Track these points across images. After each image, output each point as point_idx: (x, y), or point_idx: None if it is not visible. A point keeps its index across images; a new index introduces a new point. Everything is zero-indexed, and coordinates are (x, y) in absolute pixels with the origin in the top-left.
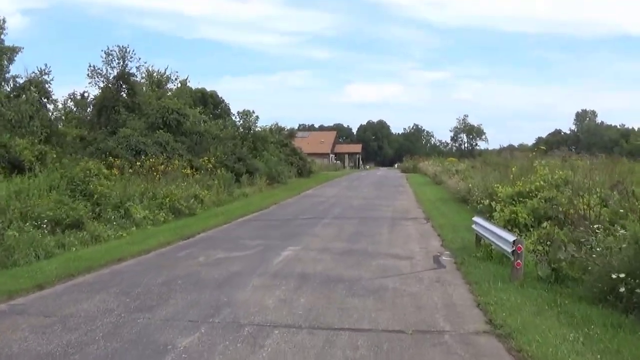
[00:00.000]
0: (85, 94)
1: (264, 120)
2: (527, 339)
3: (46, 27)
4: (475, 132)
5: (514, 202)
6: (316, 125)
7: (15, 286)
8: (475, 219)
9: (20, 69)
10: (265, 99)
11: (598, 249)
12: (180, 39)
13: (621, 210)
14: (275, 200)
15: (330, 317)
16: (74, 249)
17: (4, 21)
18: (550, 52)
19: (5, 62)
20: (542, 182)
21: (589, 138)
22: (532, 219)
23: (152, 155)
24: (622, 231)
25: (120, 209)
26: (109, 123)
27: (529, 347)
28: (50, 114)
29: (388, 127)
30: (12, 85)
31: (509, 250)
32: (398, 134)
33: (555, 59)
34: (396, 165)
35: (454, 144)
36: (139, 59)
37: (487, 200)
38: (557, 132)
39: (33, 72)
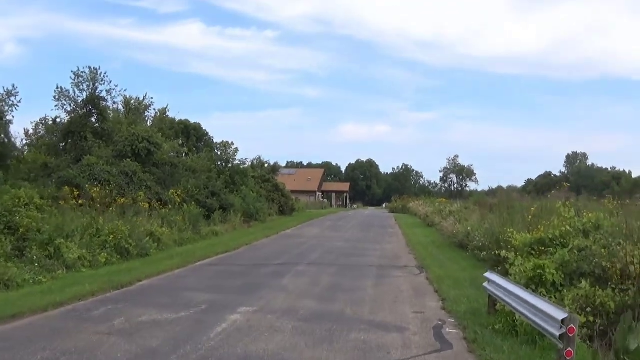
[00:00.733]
0: (58, 119)
1: (251, 156)
2: None
3: (40, 57)
4: (465, 172)
5: (533, 252)
6: (305, 163)
7: None
8: (490, 275)
9: None
10: (254, 135)
11: None
12: (172, 73)
13: None
14: (248, 240)
15: None
16: None
17: None
18: (540, 95)
19: None
20: (568, 227)
21: (580, 180)
22: (562, 276)
23: (115, 185)
24: None
25: (50, 247)
26: (75, 150)
27: None
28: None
29: (377, 166)
30: None
31: (553, 331)
32: (387, 173)
33: (545, 101)
34: (384, 205)
35: (443, 185)
36: (110, 81)
37: (500, 250)
38: (547, 174)
39: None
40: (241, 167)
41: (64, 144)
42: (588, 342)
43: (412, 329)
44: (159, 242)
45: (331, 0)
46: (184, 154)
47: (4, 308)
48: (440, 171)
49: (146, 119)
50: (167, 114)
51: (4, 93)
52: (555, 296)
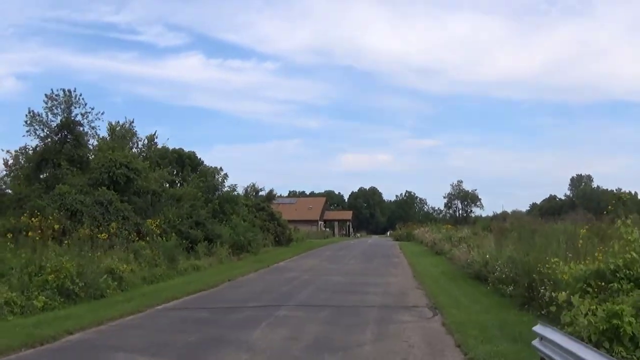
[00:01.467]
0: (32, 147)
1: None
2: None
3: (39, 92)
4: (470, 197)
5: (589, 290)
6: (307, 192)
7: None
8: (543, 330)
9: None
10: (255, 167)
11: None
12: (173, 107)
13: None
14: (232, 275)
15: None
16: None
17: None
18: (542, 118)
19: None
20: (634, 254)
21: (586, 203)
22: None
23: (88, 216)
24: None
25: None
26: (49, 178)
27: None
28: None
29: (380, 194)
30: None
31: None
32: (390, 201)
33: (547, 124)
34: (388, 233)
35: (447, 211)
36: (85, 104)
37: (536, 285)
38: (552, 198)
39: None
40: (231, 194)
41: (36, 172)
42: None
43: None
44: (120, 280)
45: (330, 31)
46: (178, 184)
47: None
48: (444, 197)
49: (133, 146)
50: (156, 140)
51: None
52: (636, 356)
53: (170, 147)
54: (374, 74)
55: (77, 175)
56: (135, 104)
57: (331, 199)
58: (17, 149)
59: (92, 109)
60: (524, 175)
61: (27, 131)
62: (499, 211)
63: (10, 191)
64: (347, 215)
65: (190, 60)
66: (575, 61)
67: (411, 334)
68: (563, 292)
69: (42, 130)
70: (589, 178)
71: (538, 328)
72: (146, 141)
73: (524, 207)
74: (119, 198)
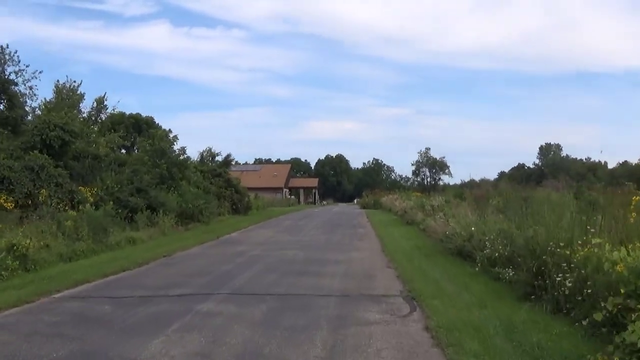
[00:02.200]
0: None
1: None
2: None
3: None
4: (438, 165)
5: None
6: (273, 160)
7: None
8: None
9: None
10: (222, 135)
11: None
12: (139, 76)
13: None
14: (172, 249)
15: None
16: None
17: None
18: (510, 88)
19: None
20: None
21: (555, 172)
22: None
23: (18, 183)
24: None
25: None
26: None
27: None
28: None
29: (347, 161)
30: None
31: None
32: (357, 168)
33: (515, 95)
34: (355, 201)
35: (415, 179)
36: (19, 61)
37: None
38: (521, 167)
39: None
40: (180, 158)
41: None
42: None
43: None
44: (23, 259)
45: None
46: (135, 150)
47: None
48: (412, 164)
49: (82, 110)
50: (105, 103)
51: None
52: None
53: (127, 112)
54: (342, 42)
55: (9, 139)
56: (101, 74)
57: (298, 167)
58: None
59: (27, 66)
60: (492, 145)
61: None
62: (467, 179)
63: None
64: (313, 182)
65: (157, 29)
66: (544, 32)
67: (382, 347)
68: (611, 296)
69: None
70: (558, 147)
71: None
72: (95, 104)
73: (492, 176)
74: (54, 163)
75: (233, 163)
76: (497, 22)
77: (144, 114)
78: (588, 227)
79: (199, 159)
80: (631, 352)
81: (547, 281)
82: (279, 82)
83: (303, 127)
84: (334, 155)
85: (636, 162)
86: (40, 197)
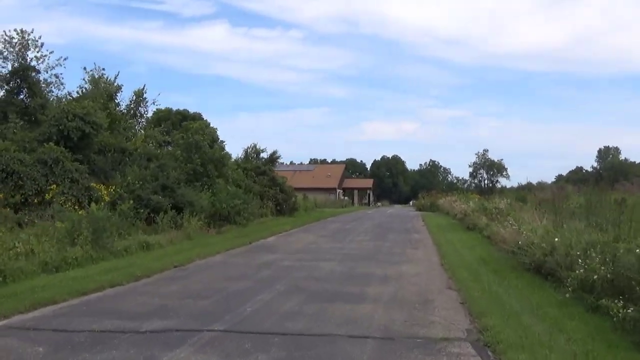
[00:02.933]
0: None
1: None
2: None
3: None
4: (496, 167)
5: None
6: (328, 161)
7: None
8: None
9: None
10: (280, 136)
11: None
12: (197, 76)
13: None
14: (189, 257)
15: None
16: None
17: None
18: (568, 90)
19: None
20: None
21: (613, 175)
22: None
23: (28, 179)
24: None
25: None
26: None
27: None
28: None
29: (403, 162)
30: None
31: None
32: (414, 170)
33: (574, 97)
34: (411, 203)
35: (472, 181)
36: (41, 44)
37: None
38: (579, 170)
39: None
40: (218, 153)
41: None
42: None
43: None
44: None
45: (355, 0)
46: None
47: None
48: (469, 166)
49: (120, 103)
50: (145, 96)
51: None
52: None
53: (174, 109)
54: (400, 43)
55: (24, 130)
56: (159, 73)
57: (353, 168)
58: None
59: (51, 52)
60: (549, 147)
61: None
62: (523, 182)
63: None
64: (368, 183)
65: (215, 30)
66: (601, 33)
67: None
68: None
69: None
70: (617, 150)
71: None
72: (134, 97)
73: (550, 179)
74: (71, 157)
75: (280, 161)
76: (554, 23)
77: (191, 110)
78: None
79: (242, 156)
80: None
81: None
82: (337, 82)
83: (360, 128)
84: (389, 156)
85: None
86: (48, 194)
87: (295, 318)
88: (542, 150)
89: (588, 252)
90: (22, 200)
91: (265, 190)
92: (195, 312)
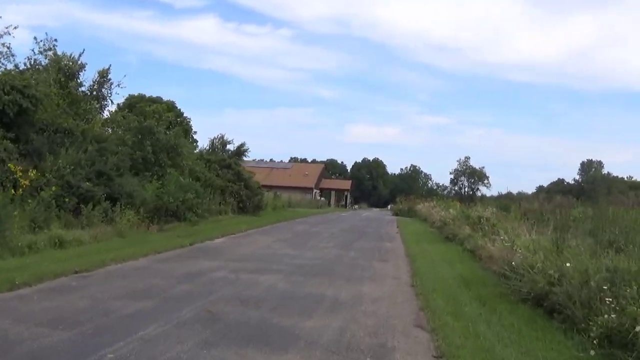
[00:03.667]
0: None
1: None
2: None
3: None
4: (477, 175)
5: None
6: (309, 160)
7: None
8: None
9: None
10: (264, 133)
11: None
12: (185, 69)
13: None
14: (103, 260)
15: None
16: None
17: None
18: (554, 103)
19: None
20: None
21: (594, 188)
22: None
23: None
24: None
25: None
26: None
27: None
28: None
29: (384, 166)
30: None
31: None
32: (394, 174)
33: (559, 110)
34: (389, 207)
35: (453, 188)
36: None
37: None
38: (560, 182)
39: None
40: (173, 140)
41: None
42: None
43: None
44: None
45: (348, 1)
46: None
47: None
48: (450, 173)
49: (82, 82)
50: (109, 76)
51: None
52: None
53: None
54: (389, 47)
55: None
56: (149, 64)
57: (333, 168)
58: None
59: None
60: (531, 158)
61: None
62: (503, 192)
63: None
64: (346, 185)
65: (206, 23)
66: (591, 49)
67: None
68: None
69: None
70: (600, 164)
71: None
72: (97, 76)
73: (530, 189)
74: (1, 134)
75: (247, 154)
76: (545, 36)
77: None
78: None
79: (209, 146)
80: None
81: None
82: (325, 83)
83: (344, 129)
84: (370, 158)
85: None
86: None
87: None
88: (523, 160)
89: (616, 284)
90: None
91: (228, 185)
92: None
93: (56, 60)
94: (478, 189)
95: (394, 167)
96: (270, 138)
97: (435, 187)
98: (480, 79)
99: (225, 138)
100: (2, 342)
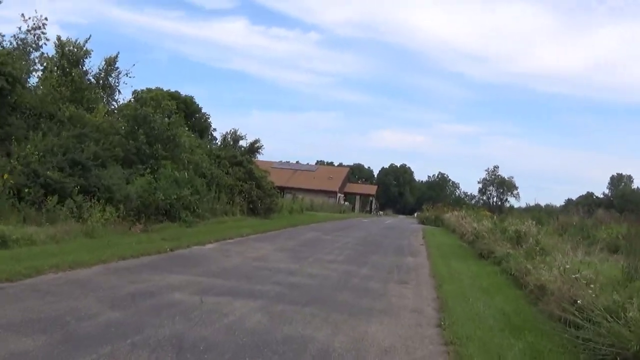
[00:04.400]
0: None
1: (278, 155)
2: None
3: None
4: (506, 185)
5: None
6: (335, 164)
7: None
8: None
9: None
10: (290, 136)
11: None
12: (214, 69)
13: None
14: (41, 267)
15: None
16: None
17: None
18: (584, 115)
19: None
20: None
21: (624, 203)
22: None
23: None
24: None
25: None
26: None
27: None
28: None
29: (411, 172)
30: None
31: None
32: (421, 181)
33: (589, 122)
34: (415, 215)
35: (481, 197)
36: None
37: None
38: (589, 195)
39: None
40: (170, 130)
41: None
42: None
43: None
44: None
45: (378, 7)
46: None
47: None
48: (478, 182)
49: (90, 70)
50: (116, 64)
51: None
52: None
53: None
54: (419, 54)
55: None
56: (177, 62)
57: (360, 173)
58: None
59: None
60: (559, 171)
61: None
62: (531, 203)
63: None
64: (372, 190)
65: (235, 25)
66: (622, 61)
67: None
68: None
69: None
70: (629, 178)
71: None
72: (104, 65)
73: (559, 202)
74: None
75: (261, 152)
76: (576, 48)
77: (183, 93)
78: None
79: (220, 141)
80: None
81: None
82: (352, 88)
83: (371, 135)
84: (398, 164)
85: None
86: None
87: None
88: (551, 173)
89: None
90: None
91: (237, 184)
92: None
93: (60, 45)
94: (507, 199)
95: (421, 175)
96: (296, 141)
97: (463, 196)
98: (509, 89)
99: (238, 133)
100: None
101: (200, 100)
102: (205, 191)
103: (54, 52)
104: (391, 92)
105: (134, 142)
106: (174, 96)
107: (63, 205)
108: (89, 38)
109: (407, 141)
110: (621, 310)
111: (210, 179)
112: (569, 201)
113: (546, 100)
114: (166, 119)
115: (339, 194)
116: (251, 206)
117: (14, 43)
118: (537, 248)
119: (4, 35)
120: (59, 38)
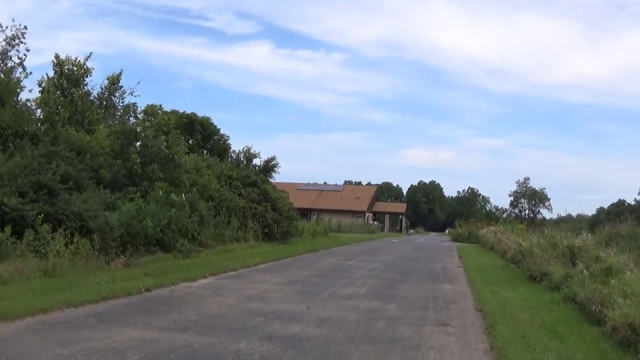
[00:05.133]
0: None
1: (306, 177)
2: None
3: (107, 72)
4: (538, 197)
5: None
6: (364, 183)
7: None
8: None
9: None
10: (318, 157)
11: None
12: (239, 94)
13: None
14: None
15: None
16: None
17: None
18: (610, 123)
19: None
20: None
21: None
22: None
23: None
24: None
25: None
26: None
27: None
28: None
29: (441, 189)
30: None
31: None
32: (451, 197)
33: (616, 130)
34: (447, 231)
35: (513, 210)
36: None
37: None
38: (621, 203)
39: None
40: (165, 150)
41: None
42: None
43: None
44: None
45: (400, 26)
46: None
47: None
48: (509, 195)
49: (92, 90)
50: (120, 84)
51: None
52: None
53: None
54: (442, 71)
55: None
56: (202, 89)
57: (389, 192)
58: None
59: None
60: (589, 180)
61: None
62: (563, 214)
63: None
64: (401, 208)
65: (259, 49)
66: None
67: None
68: None
69: None
70: None
71: None
72: (107, 83)
73: (590, 211)
74: None
75: (277, 170)
76: (599, 56)
77: (200, 114)
78: None
79: (234, 158)
80: None
81: None
82: (378, 107)
83: (398, 153)
84: (427, 181)
85: None
86: None
87: None
88: (579, 183)
89: None
90: None
91: (250, 206)
92: None
93: (59, 63)
94: (539, 211)
95: (450, 190)
96: (323, 162)
97: (493, 210)
98: (534, 101)
99: (251, 151)
100: None
101: (226, 126)
102: (211, 216)
103: (52, 71)
104: (416, 109)
105: (123, 162)
106: (191, 118)
107: (12, 237)
108: (90, 56)
109: (435, 158)
110: None
111: (219, 202)
112: (600, 210)
113: (572, 110)
114: (163, 135)
115: (367, 214)
116: (266, 230)
117: None
118: (603, 267)
119: None
120: (57, 56)
